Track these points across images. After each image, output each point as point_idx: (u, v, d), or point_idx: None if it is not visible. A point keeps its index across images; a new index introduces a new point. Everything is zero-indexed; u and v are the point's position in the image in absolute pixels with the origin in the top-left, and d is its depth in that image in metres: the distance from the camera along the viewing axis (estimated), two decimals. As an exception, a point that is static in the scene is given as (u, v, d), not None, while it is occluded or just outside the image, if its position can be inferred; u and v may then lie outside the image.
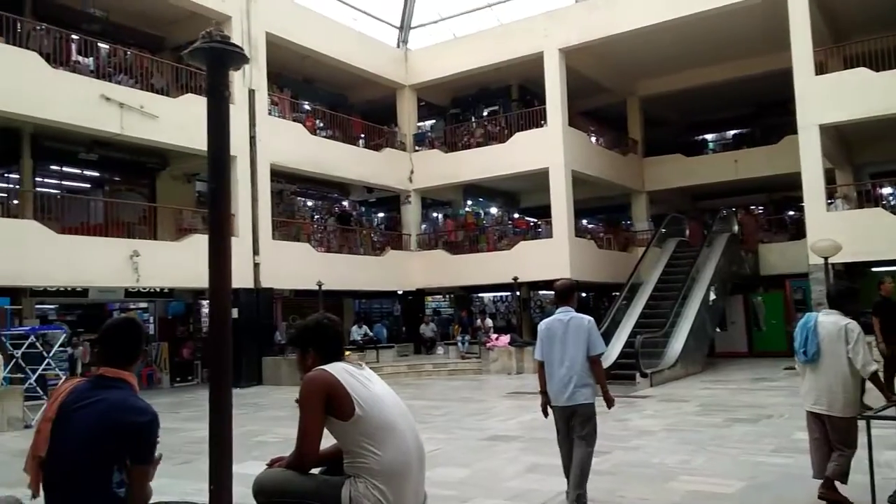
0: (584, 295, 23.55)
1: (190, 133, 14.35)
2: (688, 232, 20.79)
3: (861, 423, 4.90)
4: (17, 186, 15.41)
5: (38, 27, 14.08)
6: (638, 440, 7.93)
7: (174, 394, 15.03)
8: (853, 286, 5.57)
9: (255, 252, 16.61)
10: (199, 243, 14.73)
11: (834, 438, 5.01)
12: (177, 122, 14.76)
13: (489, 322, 19.39)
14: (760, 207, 24.52)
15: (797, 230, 19.33)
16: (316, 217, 22.30)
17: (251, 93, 16.83)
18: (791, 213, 22.10)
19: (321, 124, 20.82)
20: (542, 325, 5.43)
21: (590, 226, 25.88)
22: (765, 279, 19.94)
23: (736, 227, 20.07)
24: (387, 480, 2.73)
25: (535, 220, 23.17)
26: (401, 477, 2.79)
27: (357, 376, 2.89)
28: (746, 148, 22.54)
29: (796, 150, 15.75)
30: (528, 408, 11.10)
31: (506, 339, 17.60)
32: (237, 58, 2.71)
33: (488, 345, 17.52)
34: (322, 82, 22.15)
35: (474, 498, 5.59)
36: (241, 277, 15.97)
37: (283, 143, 17.68)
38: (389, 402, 2.90)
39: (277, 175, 18.52)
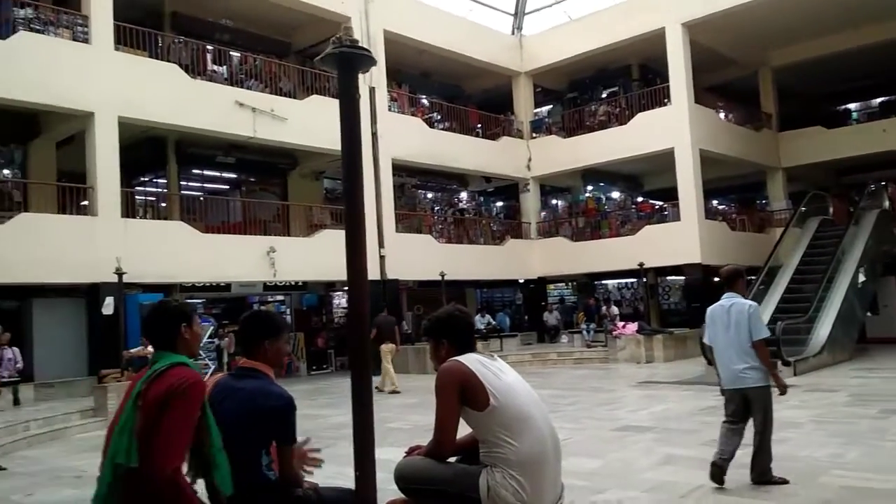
0: (716, 280, 22.41)
1: (316, 133, 14.99)
2: (831, 210, 19.31)
3: None
4: (165, 190, 16.70)
5: (177, 40, 15.17)
6: (783, 432, 7.42)
7: (311, 381, 15.77)
8: None
9: (381, 245, 17.10)
10: (329, 238, 15.41)
11: None
12: (304, 122, 15.46)
13: (615, 309, 18.92)
14: (916, 179, 22.32)
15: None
16: (436, 208, 22.63)
17: (371, 90, 17.29)
18: (953, 183, 19.97)
19: (438, 116, 21.09)
20: (707, 311, 5.62)
21: (721, 207, 24.60)
22: (923, 259, 18.15)
23: (887, 203, 18.39)
24: (523, 471, 2.73)
25: (661, 203, 22.31)
26: (537, 467, 2.78)
27: (490, 367, 2.90)
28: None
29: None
30: (659, 397, 10.77)
31: (633, 326, 17.09)
32: (366, 61, 2.79)
33: (615, 333, 17.09)
34: (438, 75, 22.41)
35: (609, 489, 5.47)
36: (368, 270, 16.46)
37: (402, 137, 18.07)
38: (523, 393, 2.90)
39: (398, 169, 18.95)
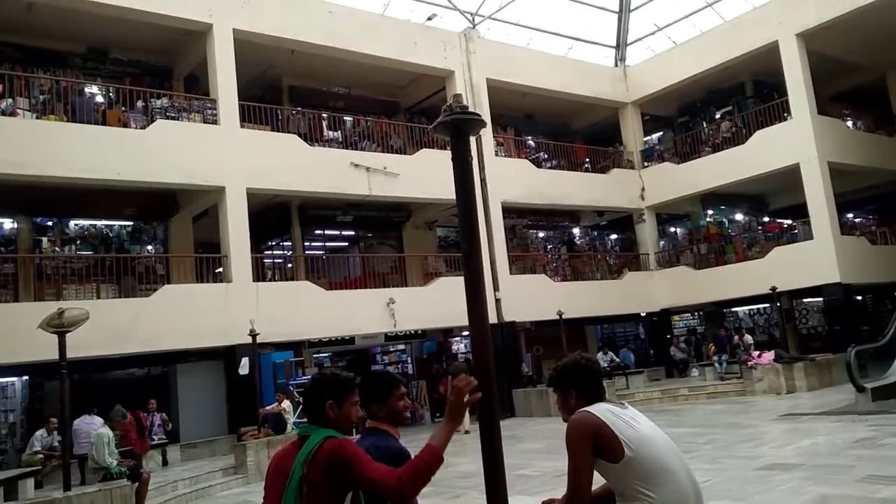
0: (858, 298, 20.78)
1: (427, 185, 15.46)
2: None
3: None
4: (290, 252, 17.67)
5: (295, 112, 16.23)
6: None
7: (434, 428, 15.89)
8: None
9: (496, 288, 17.17)
10: (445, 285, 15.71)
11: None
12: (415, 176, 15.99)
13: (748, 338, 17.86)
14: None
15: None
16: (549, 247, 22.50)
17: (478, 138, 17.59)
18: None
19: (545, 155, 21.12)
20: None
21: (858, 220, 22.90)
22: None
23: None
24: None
25: (790, 222, 21.07)
26: None
27: (622, 416, 2.83)
28: None
29: None
30: (805, 431, 10.04)
31: (770, 355, 16.05)
32: (476, 125, 2.93)
33: (750, 363, 16.12)
34: (542, 115, 22.55)
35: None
36: (492, 314, 16.55)
37: (510, 180, 18.24)
38: (660, 442, 2.80)
39: (509, 211, 19.08)
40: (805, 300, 21.96)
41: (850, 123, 19.87)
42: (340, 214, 17.50)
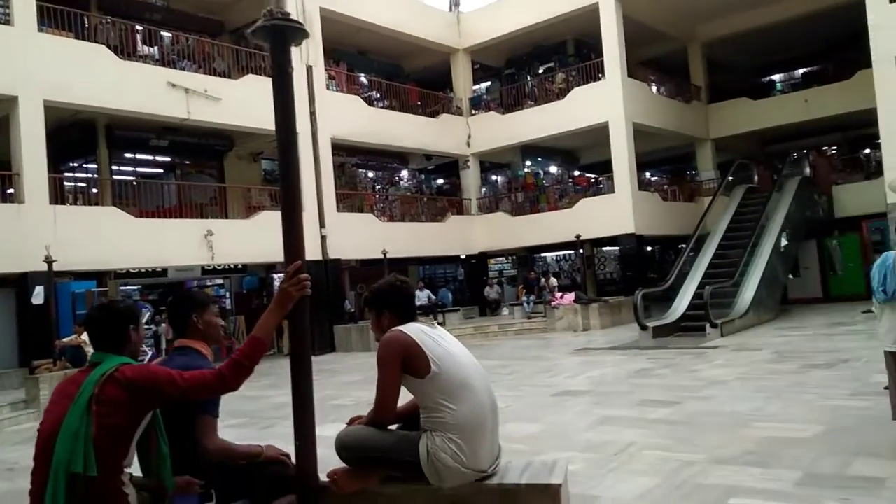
0: (648, 249, 23.19)
1: (253, 113, 14.75)
2: (756, 178, 20.16)
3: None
4: (96, 176, 16.21)
5: (105, 20, 14.66)
6: (709, 390, 7.92)
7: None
8: None
9: (322, 225, 17.05)
10: (268, 220, 15.28)
11: None
12: (240, 103, 15.20)
13: (553, 281, 19.40)
14: (833, 148, 23.46)
15: (874, 169, 18.45)
16: (377, 187, 22.62)
17: (309, 69, 17.07)
18: (867, 151, 21.07)
19: (377, 95, 21.00)
20: None
21: (653, 178, 25.34)
22: (840, 222, 19.18)
23: (808, 170, 19.35)
24: (462, 434, 2.84)
25: (596, 177, 22.87)
26: (476, 430, 2.89)
27: (432, 335, 2.99)
28: (817, 86, 21.51)
29: (871, 84, 14.95)
30: (596, 363, 11.20)
31: (570, 296, 17.59)
32: (298, 33, 2.79)
33: (553, 303, 17.56)
34: (376, 53, 22.27)
35: (547, 451, 5.70)
36: (308, 250, 15.92)
37: (341, 116, 17.95)
38: (464, 361, 3.00)
39: (338, 148, 18.85)
40: (604, 248, 24.16)
41: (654, 88, 21.72)
42: (155, 138, 16.29)
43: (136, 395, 2.43)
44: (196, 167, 18.54)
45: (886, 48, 14.45)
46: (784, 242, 16.35)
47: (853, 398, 6.81)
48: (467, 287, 23.28)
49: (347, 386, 10.86)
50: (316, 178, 17.11)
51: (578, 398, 8.13)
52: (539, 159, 24.85)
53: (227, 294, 18.71)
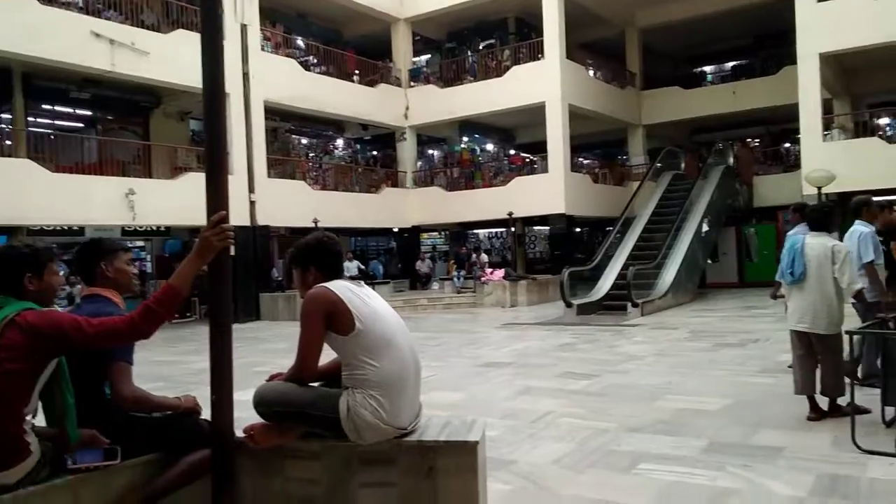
0: (578, 230, 23.69)
1: (182, 70, 14.19)
2: (683, 165, 20.81)
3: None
4: (10, 126, 15.31)
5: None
6: (627, 364, 8.20)
7: (172, 330, 15.25)
8: (832, 206, 5.79)
9: (251, 190, 16.65)
10: (194, 181, 14.75)
11: (822, 355, 5.26)
12: (168, 58, 14.58)
13: (484, 257, 19.62)
14: (757, 140, 24.44)
15: (792, 162, 19.33)
16: (311, 154, 22.22)
17: (243, 28, 16.53)
18: (787, 145, 22.04)
19: (314, 60, 20.53)
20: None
21: (586, 161, 25.81)
22: (758, 211, 20.08)
23: (732, 160, 20.07)
24: (383, 391, 2.84)
25: (531, 156, 23.12)
26: (397, 388, 2.89)
27: (357, 293, 2.96)
28: (745, 79, 22.31)
29: (795, 80, 15.63)
30: (521, 337, 11.42)
31: (500, 273, 17.84)
32: None
33: (483, 279, 17.76)
34: (315, 17, 21.72)
35: (468, 417, 5.79)
36: (236, 215, 15.85)
37: (276, 79, 17.47)
38: (389, 318, 2.99)
39: (271, 112, 18.39)
40: (535, 228, 24.55)
41: (591, 72, 22.04)
42: (76, 90, 15.47)
43: (39, 341, 2.34)
44: (119, 123, 17.73)
45: (811, 46, 15.11)
46: (705, 228, 16.99)
47: (760, 375, 7.17)
48: (399, 260, 23.25)
49: (272, 353, 10.71)
50: (247, 141, 16.66)
51: (502, 369, 8.28)
52: (476, 136, 24.94)
53: (148, 257, 18.11)
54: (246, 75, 16.59)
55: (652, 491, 3.88)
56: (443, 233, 25.80)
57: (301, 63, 19.28)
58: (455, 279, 19.22)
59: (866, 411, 5.03)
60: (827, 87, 16.21)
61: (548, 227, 20.95)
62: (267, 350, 11.22)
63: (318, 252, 3.08)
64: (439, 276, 21.43)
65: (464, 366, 8.67)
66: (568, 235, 19.81)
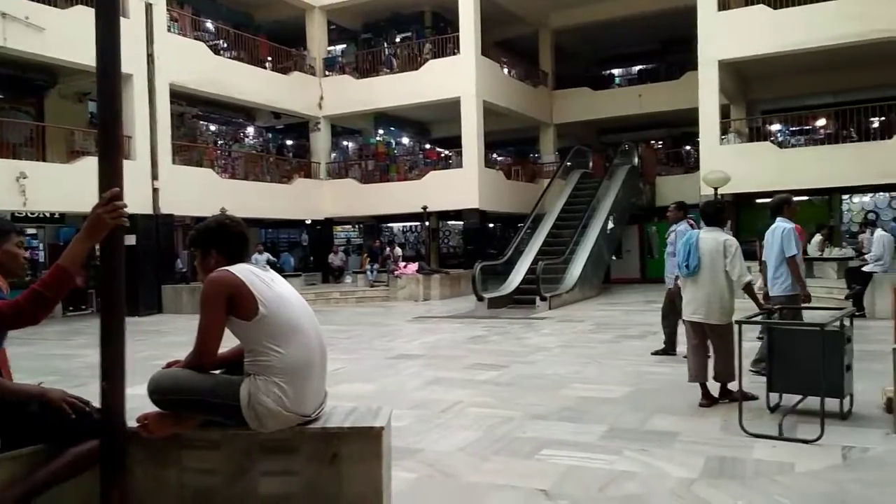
0: (490, 225, 24.03)
1: (80, 48, 13.33)
2: (591, 164, 21.45)
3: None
4: None
5: None
6: (535, 355, 8.39)
7: (67, 322, 14.49)
8: (723, 203, 6.16)
9: (154, 177, 15.95)
10: (92, 166, 13.93)
11: (715, 344, 5.55)
12: (66, 35, 13.73)
13: (398, 251, 19.57)
14: (660, 142, 25.50)
15: (692, 164, 20.28)
16: (220, 142, 21.50)
17: (148, 7, 15.79)
18: (688, 147, 23.12)
19: (224, 44, 19.86)
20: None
21: (499, 158, 26.19)
22: (660, 210, 20.91)
23: (636, 160, 20.85)
24: (287, 378, 2.77)
25: (446, 151, 23.25)
26: (302, 374, 2.83)
27: (261, 277, 2.87)
28: (650, 83, 23.21)
29: (696, 86, 16.39)
30: (433, 330, 11.48)
31: (414, 266, 17.86)
32: None
33: (396, 273, 17.74)
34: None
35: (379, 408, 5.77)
36: (138, 203, 15.34)
37: (183, 62, 16.78)
38: (294, 304, 2.92)
39: (178, 97, 17.67)
40: (449, 222, 24.71)
41: (505, 70, 22.36)
42: (-41, 64, 14.35)
43: None
44: (10, 102, 16.55)
45: (711, 53, 15.90)
46: (610, 226, 17.60)
47: (658, 364, 7.51)
48: (311, 253, 22.86)
49: (174, 347, 10.29)
50: (151, 125, 15.94)
51: (413, 361, 8.30)
52: (392, 129, 24.84)
53: (41, 245, 17.03)
54: (151, 57, 15.87)
55: (553, 475, 3.99)
56: (357, 226, 25.57)
57: (210, 47, 18.60)
58: (368, 273, 19.08)
59: (754, 398, 5.35)
60: (725, 93, 17.10)
61: (462, 222, 21.14)
62: (168, 343, 10.80)
63: (219, 234, 2.97)
64: (352, 269, 21.24)
65: (375, 358, 8.64)
66: (481, 230, 20.05)
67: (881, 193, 18.08)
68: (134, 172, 15.29)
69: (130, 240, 15.45)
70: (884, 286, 10.02)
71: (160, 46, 16.07)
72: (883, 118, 16.69)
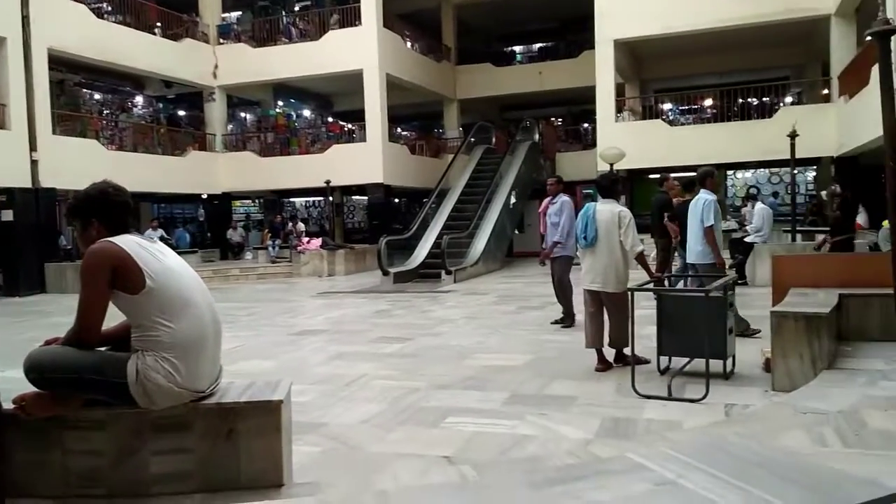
0: (395, 200, 23.94)
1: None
2: (494, 140, 21.69)
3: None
4: None
5: None
6: (440, 328, 8.46)
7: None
8: (616, 175, 6.43)
9: (33, 148, 14.82)
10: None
11: (611, 311, 5.77)
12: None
13: (301, 226, 19.16)
14: (560, 119, 26.10)
15: (590, 141, 20.90)
16: (105, 112, 20.24)
17: (20, -37, 14.54)
18: (586, 125, 23.78)
19: (108, 7, 18.61)
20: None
21: (404, 133, 26.04)
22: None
23: (537, 137, 21.24)
24: (179, 353, 2.67)
25: (350, 125, 22.88)
26: (195, 349, 2.73)
27: (149, 248, 2.74)
28: (550, 61, 23.64)
29: (594, 64, 16.84)
30: (337, 305, 11.35)
31: (317, 242, 17.56)
32: None
33: (299, 248, 17.39)
34: (108, -41, 19.63)
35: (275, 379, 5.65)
36: (15, 175, 14.30)
37: (63, 25, 15.58)
38: (185, 276, 2.80)
39: (58, 63, 16.45)
40: (354, 198, 24.44)
41: (408, 43, 22.15)
42: None
43: None
44: None
45: (606, 33, 16.36)
46: (513, 201, 17.91)
47: (558, 333, 7.74)
48: (209, 229, 22.02)
49: (58, 328, 9.54)
50: (27, 92, 14.77)
51: (316, 336, 8.17)
52: (292, 101, 24.16)
53: None
54: (26, 18, 14.65)
55: (458, 442, 4.04)
56: (257, 200, 24.82)
57: (93, 10, 17.36)
58: (270, 249, 18.60)
59: (646, 361, 5.61)
60: (620, 72, 17.69)
61: (366, 197, 20.93)
62: (52, 325, 10.07)
63: (101, 203, 2.81)
64: (253, 245, 20.63)
65: (276, 334, 8.44)
66: (386, 205, 19.93)
67: (762, 169, 19.27)
68: (9, 143, 14.20)
69: (7, 215, 14.37)
70: (763, 256, 10.72)
71: (37, 8, 14.86)
72: (765, 98, 17.76)
